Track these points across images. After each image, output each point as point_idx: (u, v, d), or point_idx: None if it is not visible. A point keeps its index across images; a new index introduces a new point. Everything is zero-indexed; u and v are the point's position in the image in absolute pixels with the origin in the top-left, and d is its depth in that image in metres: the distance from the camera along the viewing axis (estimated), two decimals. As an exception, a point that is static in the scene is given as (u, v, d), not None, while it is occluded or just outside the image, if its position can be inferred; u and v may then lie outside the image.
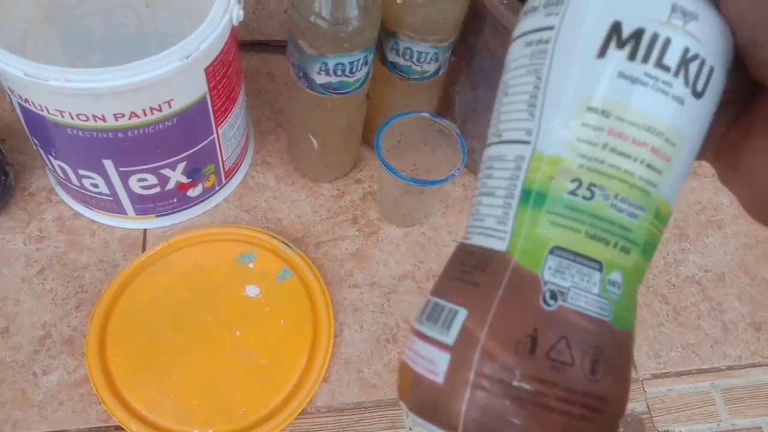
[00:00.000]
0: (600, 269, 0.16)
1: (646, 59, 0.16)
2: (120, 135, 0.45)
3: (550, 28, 0.17)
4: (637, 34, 0.16)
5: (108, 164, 0.48)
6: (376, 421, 0.50)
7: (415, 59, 0.52)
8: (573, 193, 0.17)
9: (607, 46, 0.16)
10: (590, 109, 0.16)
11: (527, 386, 0.16)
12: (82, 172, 0.50)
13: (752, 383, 0.56)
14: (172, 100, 0.45)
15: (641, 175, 0.17)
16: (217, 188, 0.58)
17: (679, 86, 0.17)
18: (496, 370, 0.16)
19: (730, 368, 0.57)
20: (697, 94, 0.17)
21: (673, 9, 0.16)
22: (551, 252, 0.17)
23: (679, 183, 0.18)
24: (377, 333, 0.54)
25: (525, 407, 0.16)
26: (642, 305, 0.59)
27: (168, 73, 0.42)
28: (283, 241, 0.56)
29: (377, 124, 0.55)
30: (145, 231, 0.57)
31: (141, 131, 0.46)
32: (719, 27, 0.17)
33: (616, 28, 0.16)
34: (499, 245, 0.17)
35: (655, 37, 0.16)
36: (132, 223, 0.56)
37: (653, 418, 0.53)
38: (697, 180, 0.67)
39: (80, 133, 0.45)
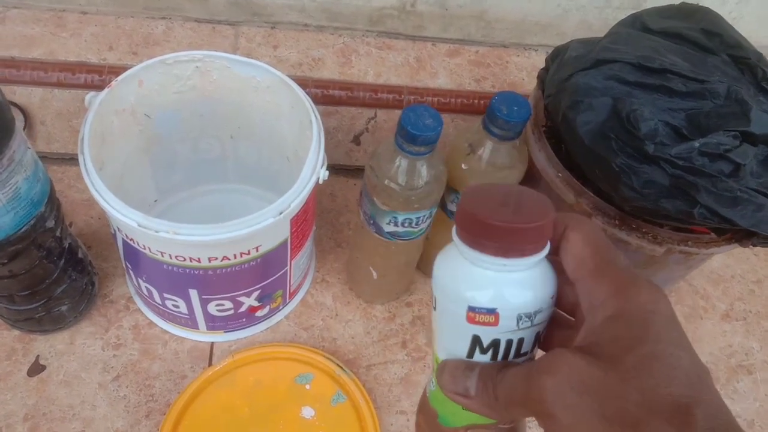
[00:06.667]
0: None
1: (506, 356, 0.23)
2: (210, 272, 0.51)
3: None
4: (495, 344, 0.23)
5: (193, 293, 0.54)
6: None
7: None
8: None
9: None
10: None
11: None
12: (167, 295, 0.55)
13: None
14: (260, 245, 0.50)
15: None
16: (281, 307, 0.63)
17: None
18: None
19: None
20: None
21: (519, 318, 0.22)
22: None
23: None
24: (422, 461, 0.57)
25: None
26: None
27: (263, 228, 0.47)
28: (338, 364, 0.60)
29: (432, 256, 0.59)
30: (212, 344, 0.62)
31: (228, 270, 0.51)
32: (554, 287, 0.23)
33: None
34: None
35: (509, 343, 0.22)
36: (202, 336, 0.61)
37: None
38: (729, 323, 0.71)
39: (174, 268, 0.50)
